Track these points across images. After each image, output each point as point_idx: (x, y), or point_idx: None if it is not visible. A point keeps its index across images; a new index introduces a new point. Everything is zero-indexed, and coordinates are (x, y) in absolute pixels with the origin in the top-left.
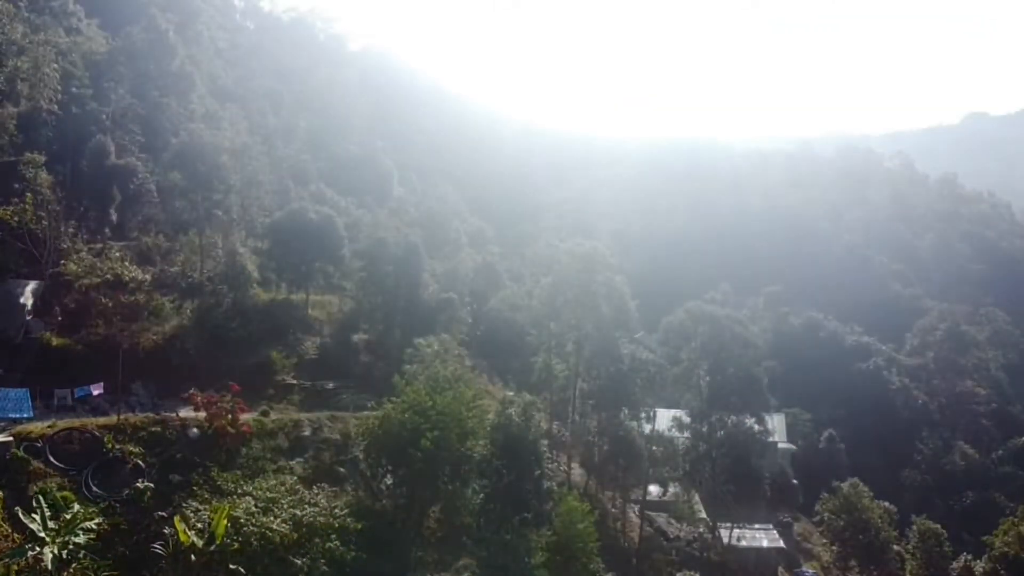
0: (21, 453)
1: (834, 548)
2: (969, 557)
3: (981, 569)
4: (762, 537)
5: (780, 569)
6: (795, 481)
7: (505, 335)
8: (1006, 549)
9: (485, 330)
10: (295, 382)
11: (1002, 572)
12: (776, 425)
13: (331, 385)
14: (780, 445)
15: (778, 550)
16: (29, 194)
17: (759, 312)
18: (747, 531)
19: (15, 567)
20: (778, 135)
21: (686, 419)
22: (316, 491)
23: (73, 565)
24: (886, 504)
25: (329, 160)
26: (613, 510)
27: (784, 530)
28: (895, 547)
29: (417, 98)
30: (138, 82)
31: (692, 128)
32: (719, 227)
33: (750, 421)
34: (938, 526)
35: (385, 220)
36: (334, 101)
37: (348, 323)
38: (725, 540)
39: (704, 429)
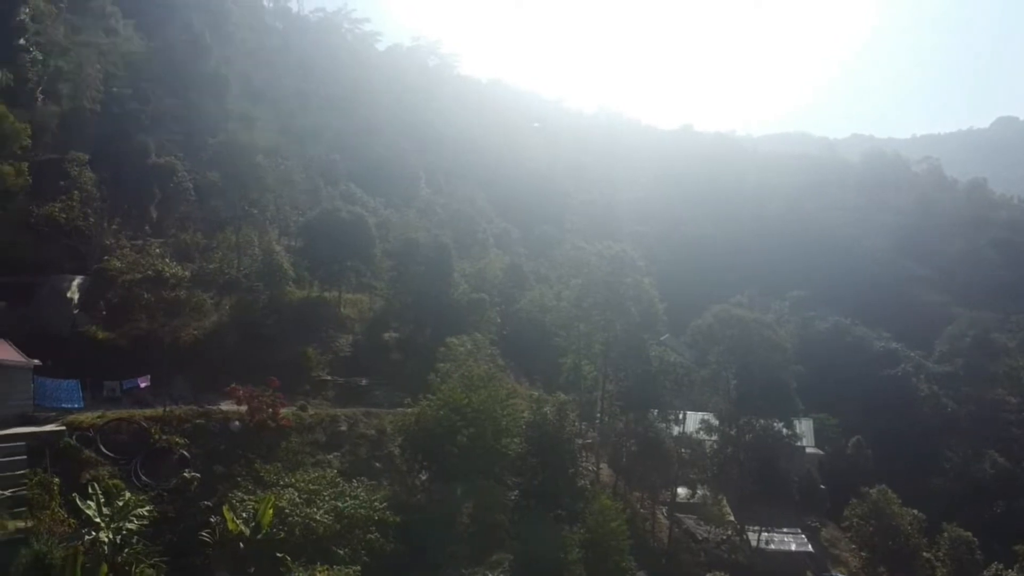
0: (73, 442)
1: (863, 554)
2: (1000, 566)
3: None
4: (790, 541)
5: (808, 574)
6: (822, 486)
7: (532, 336)
8: None
9: (513, 331)
10: (329, 378)
11: None
12: (804, 430)
13: (364, 382)
14: (808, 450)
15: (807, 554)
16: (76, 191)
17: (784, 316)
18: (775, 535)
19: (77, 550)
20: (802, 137)
21: (714, 422)
22: (356, 484)
23: (126, 550)
24: (915, 511)
25: (357, 160)
26: (642, 511)
27: (812, 535)
28: (925, 554)
29: (443, 99)
30: (175, 82)
31: (714, 127)
32: (742, 230)
33: (778, 425)
34: (969, 533)
35: (414, 220)
36: (361, 101)
37: (379, 321)
38: (753, 543)
39: (732, 432)
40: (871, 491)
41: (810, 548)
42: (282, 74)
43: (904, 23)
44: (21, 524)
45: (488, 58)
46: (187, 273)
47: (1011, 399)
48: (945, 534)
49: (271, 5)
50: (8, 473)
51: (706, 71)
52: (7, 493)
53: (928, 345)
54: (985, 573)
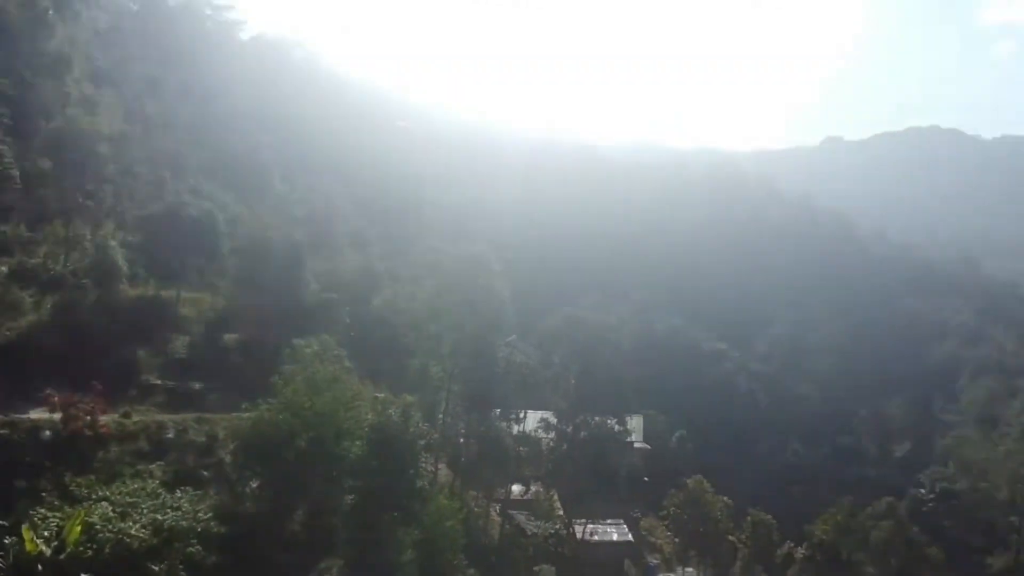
0: None
1: (676, 540)
2: (792, 544)
3: (801, 554)
4: (612, 532)
5: (627, 561)
6: (646, 479)
7: (382, 337)
8: (823, 537)
9: (363, 332)
10: (159, 382)
11: (818, 556)
12: (634, 426)
13: (198, 386)
14: (636, 445)
15: (626, 543)
16: None
17: (627, 319)
18: (599, 526)
19: None
20: (652, 148)
21: (553, 420)
22: (179, 495)
23: None
24: (725, 498)
25: (210, 153)
26: (476, 509)
27: (633, 525)
28: (730, 537)
29: (307, 94)
30: (9, 60)
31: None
32: (597, 235)
33: (612, 422)
34: (769, 516)
35: (267, 217)
36: (219, 91)
37: (220, 322)
38: (579, 535)
39: (569, 429)
40: (688, 481)
41: (630, 537)
42: (133, 58)
43: (743, 44)
44: None
45: (356, 55)
46: (4, 268)
47: (814, 394)
48: (749, 518)
49: None
50: None
51: (563, 78)
52: None
53: (754, 346)
54: (779, 551)
